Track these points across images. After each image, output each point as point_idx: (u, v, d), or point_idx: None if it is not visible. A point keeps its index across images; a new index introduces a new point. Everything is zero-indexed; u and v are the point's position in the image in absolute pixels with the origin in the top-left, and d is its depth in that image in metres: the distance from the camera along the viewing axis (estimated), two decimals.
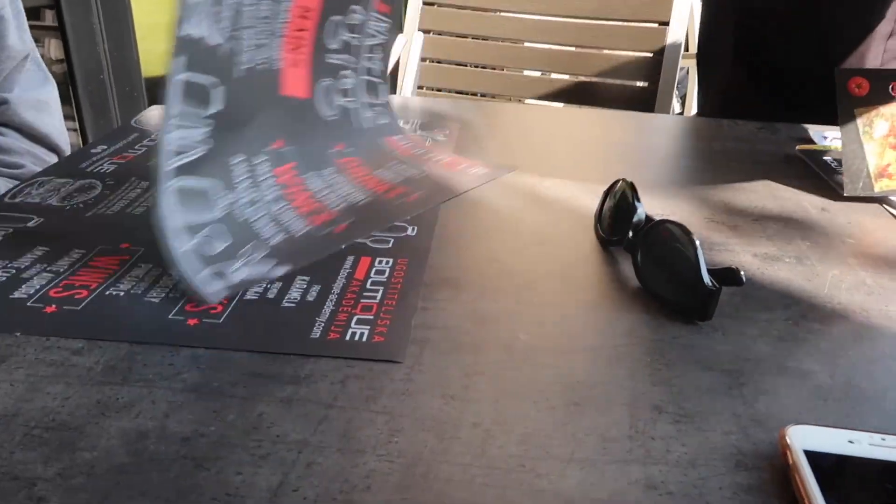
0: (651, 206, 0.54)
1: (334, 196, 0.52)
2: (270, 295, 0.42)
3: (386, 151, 0.61)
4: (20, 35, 0.81)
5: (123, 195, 0.55)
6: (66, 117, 0.90)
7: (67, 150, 0.86)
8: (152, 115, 0.75)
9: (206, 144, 0.42)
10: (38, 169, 0.75)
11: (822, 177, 0.63)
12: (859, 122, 0.58)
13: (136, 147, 0.66)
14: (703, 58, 1.00)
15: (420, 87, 1.29)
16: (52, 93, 0.86)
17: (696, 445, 0.32)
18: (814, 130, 0.74)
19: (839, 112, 0.58)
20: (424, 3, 1.28)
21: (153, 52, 1.17)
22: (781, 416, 0.34)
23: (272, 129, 0.50)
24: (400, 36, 1.28)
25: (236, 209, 0.45)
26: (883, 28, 0.77)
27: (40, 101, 0.84)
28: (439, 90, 1.30)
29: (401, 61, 1.27)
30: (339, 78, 0.57)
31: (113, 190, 0.56)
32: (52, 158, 0.84)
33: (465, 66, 1.30)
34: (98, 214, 0.52)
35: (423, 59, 1.28)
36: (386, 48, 0.61)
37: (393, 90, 1.31)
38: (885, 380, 0.37)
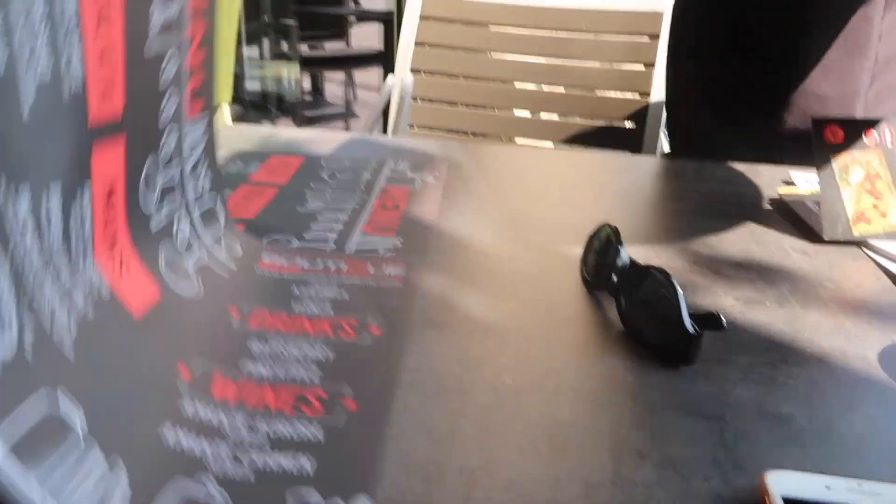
0: (635, 249, 0.55)
1: (295, 368, 0.40)
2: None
3: (272, 280, 0.49)
4: None
5: None
6: None
7: None
8: None
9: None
10: None
11: (803, 220, 0.64)
12: (835, 168, 0.60)
13: None
14: (671, 108, 1.02)
15: (411, 126, 1.31)
16: None
17: (678, 492, 0.32)
18: (795, 173, 0.76)
19: (815, 159, 0.60)
20: (416, 44, 1.31)
21: None
22: (761, 461, 0.34)
23: (167, 362, 0.37)
24: (390, 76, 1.30)
25: (242, 463, 0.32)
26: (863, 82, 0.79)
27: None
28: (431, 129, 1.32)
29: (392, 101, 1.30)
30: (177, 236, 0.44)
31: None
32: None
33: (457, 105, 1.33)
34: None
35: (414, 99, 1.30)
36: (209, 147, 0.48)
37: (384, 129, 1.33)
38: (863, 425, 0.37)
